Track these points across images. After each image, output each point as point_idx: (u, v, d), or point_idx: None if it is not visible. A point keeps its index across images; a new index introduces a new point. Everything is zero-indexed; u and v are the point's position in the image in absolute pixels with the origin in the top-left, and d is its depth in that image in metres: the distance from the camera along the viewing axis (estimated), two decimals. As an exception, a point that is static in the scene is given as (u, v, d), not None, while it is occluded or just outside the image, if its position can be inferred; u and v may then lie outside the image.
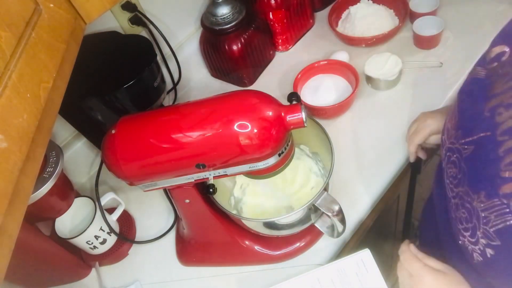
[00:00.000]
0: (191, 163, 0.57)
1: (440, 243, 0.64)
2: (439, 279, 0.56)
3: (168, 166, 0.58)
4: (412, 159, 0.80)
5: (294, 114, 0.54)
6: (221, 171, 0.59)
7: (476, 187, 0.46)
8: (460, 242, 0.51)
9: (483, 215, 0.45)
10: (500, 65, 0.48)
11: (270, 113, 0.54)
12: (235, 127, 0.53)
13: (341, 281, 0.69)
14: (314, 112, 0.92)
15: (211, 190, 0.60)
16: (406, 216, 1.24)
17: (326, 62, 0.98)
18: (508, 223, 0.41)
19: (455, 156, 0.51)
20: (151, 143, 0.56)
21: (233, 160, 0.56)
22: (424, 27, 0.99)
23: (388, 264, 1.31)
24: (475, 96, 0.50)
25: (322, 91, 0.95)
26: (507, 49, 0.47)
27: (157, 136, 0.56)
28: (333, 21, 1.10)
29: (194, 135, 0.54)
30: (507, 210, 0.41)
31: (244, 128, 0.53)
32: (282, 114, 0.54)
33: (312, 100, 0.93)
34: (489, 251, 0.45)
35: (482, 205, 0.45)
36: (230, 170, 0.59)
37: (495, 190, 0.43)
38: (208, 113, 0.55)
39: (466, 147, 0.49)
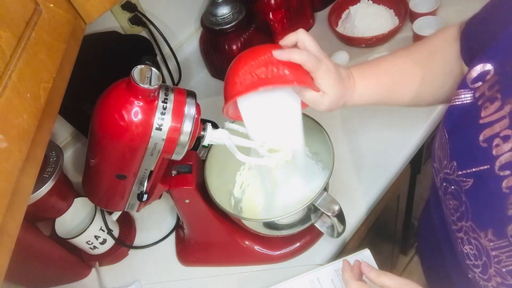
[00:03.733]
0: (112, 177, 0.57)
1: (441, 252, 0.61)
2: None
3: (106, 187, 0.60)
4: None
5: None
6: (145, 172, 0.58)
7: (483, 224, 0.43)
8: (469, 276, 0.48)
9: (493, 253, 0.42)
10: (485, 85, 0.44)
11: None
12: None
13: (341, 281, 0.69)
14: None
15: (141, 196, 0.61)
16: (406, 216, 1.24)
17: None
18: None
19: (453, 187, 0.48)
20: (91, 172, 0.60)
21: (137, 156, 0.54)
22: (424, 27, 0.99)
23: (388, 264, 1.31)
24: (465, 124, 0.46)
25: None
26: (490, 67, 0.44)
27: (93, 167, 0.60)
28: (333, 21, 1.10)
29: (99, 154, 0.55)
30: None
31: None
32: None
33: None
34: None
35: (491, 243, 0.42)
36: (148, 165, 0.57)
37: (503, 230, 0.40)
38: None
39: (464, 179, 0.46)
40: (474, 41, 0.53)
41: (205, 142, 0.59)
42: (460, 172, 0.46)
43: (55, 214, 0.78)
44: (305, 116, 0.76)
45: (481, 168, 0.43)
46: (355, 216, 0.79)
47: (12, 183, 0.38)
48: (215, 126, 0.60)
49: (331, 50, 1.06)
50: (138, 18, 0.96)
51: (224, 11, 0.96)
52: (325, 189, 0.65)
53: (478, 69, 0.45)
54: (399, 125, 0.88)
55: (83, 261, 0.86)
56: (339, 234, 0.70)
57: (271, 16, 1.06)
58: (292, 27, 1.10)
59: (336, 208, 0.64)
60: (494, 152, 0.42)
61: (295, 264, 0.77)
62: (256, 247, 0.78)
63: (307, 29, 1.16)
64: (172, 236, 0.87)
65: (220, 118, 0.75)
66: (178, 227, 0.87)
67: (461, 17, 0.58)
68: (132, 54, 0.84)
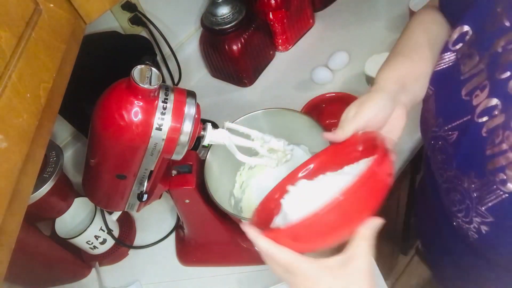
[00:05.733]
0: (112, 177, 0.57)
1: (438, 227, 0.65)
2: (338, 276, 0.42)
3: (106, 187, 0.60)
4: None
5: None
6: (145, 172, 0.58)
7: (466, 169, 0.47)
8: (454, 224, 0.52)
9: (475, 195, 0.46)
10: (465, 44, 0.49)
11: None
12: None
13: (341, 281, 0.69)
14: None
15: (141, 196, 0.61)
16: (406, 216, 1.24)
17: None
18: (498, 199, 0.43)
19: (440, 143, 0.52)
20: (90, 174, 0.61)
21: (137, 156, 0.54)
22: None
23: (388, 264, 1.31)
24: (449, 82, 0.50)
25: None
26: (467, 28, 0.48)
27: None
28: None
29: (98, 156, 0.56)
30: (495, 186, 0.43)
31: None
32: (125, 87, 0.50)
33: None
34: (483, 228, 0.46)
35: (473, 185, 0.46)
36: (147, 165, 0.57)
37: (483, 169, 0.44)
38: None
39: (450, 133, 0.50)
40: (454, 7, 0.55)
41: (205, 142, 0.58)
42: (446, 127, 0.50)
43: (55, 214, 0.78)
44: (305, 116, 0.76)
45: (464, 119, 0.47)
46: (355, 216, 0.79)
47: (12, 183, 0.38)
48: (215, 126, 0.60)
49: (331, 50, 1.06)
50: (138, 18, 0.96)
51: (224, 11, 0.96)
52: (325, 189, 0.65)
53: (457, 31, 0.49)
54: (399, 125, 0.88)
55: (83, 261, 0.86)
56: (339, 234, 0.70)
57: (271, 16, 1.06)
58: (292, 27, 1.11)
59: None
60: (474, 102, 0.45)
61: (295, 264, 0.77)
62: (256, 247, 0.78)
63: (307, 29, 1.16)
64: (172, 236, 0.87)
65: (220, 118, 0.75)
66: (178, 227, 0.87)
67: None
68: (132, 54, 0.83)
